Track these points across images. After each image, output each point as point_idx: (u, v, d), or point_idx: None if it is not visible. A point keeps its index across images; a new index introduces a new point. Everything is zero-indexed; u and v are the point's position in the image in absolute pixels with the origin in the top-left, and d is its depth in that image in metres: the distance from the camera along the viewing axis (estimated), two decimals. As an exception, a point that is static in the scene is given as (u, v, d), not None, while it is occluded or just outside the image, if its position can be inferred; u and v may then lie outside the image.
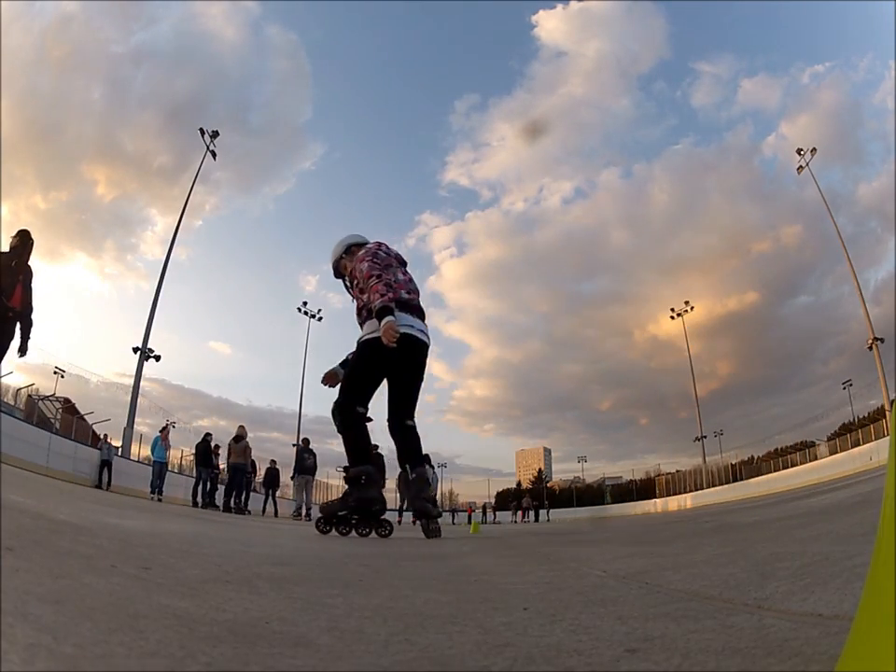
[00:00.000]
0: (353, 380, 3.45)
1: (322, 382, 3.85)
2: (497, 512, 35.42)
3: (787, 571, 1.17)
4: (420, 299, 3.71)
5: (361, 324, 3.60)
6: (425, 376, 3.61)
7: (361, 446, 3.41)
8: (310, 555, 2.21)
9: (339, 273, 3.91)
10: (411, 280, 3.66)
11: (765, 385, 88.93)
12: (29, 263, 5.71)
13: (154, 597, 0.82)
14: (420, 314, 3.57)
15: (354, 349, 3.73)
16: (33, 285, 5.66)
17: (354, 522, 3.44)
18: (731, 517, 5.02)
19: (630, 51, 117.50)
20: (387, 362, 3.31)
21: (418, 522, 13.76)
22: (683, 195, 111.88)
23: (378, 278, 3.37)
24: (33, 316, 5.62)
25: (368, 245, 3.69)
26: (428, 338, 3.56)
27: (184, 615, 0.73)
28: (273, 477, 14.77)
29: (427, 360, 3.58)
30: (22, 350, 5.59)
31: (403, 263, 3.74)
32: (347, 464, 3.47)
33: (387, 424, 3.47)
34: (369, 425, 3.49)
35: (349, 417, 3.35)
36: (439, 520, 13.02)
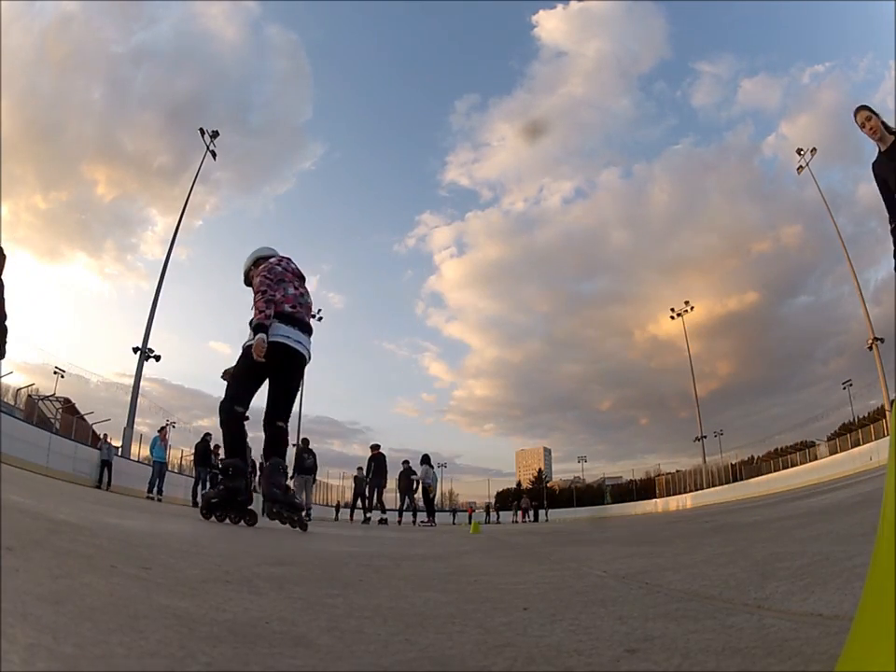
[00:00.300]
0: (233, 382, 3.79)
1: (221, 377, 4.12)
2: (499, 513, 35.41)
3: (787, 571, 1.17)
4: (310, 315, 4.05)
5: None
6: (301, 383, 4.01)
7: (235, 442, 3.75)
8: (310, 555, 2.21)
9: (248, 282, 4.20)
10: (302, 295, 3.97)
11: (765, 385, 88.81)
12: (1, 277, 6.09)
13: (154, 597, 0.82)
14: (303, 326, 3.86)
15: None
16: (5, 296, 6.08)
17: (226, 509, 3.74)
18: (731, 517, 5.02)
19: (630, 51, 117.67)
20: (264, 368, 3.65)
21: (419, 522, 13.64)
22: (683, 195, 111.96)
23: (263, 294, 3.69)
24: (8, 324, 6.05)
25: (270, 259, 4.00)
26: (306, 350, 3.86)
27: (184, 615, 0.73)
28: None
29: (305, 370, 4.00)
30: (0, 354, 6.07)
31: (301, 278, 4.07)
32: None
33: (262, 422, 3.85)
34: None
35: (227, 416, 3.70)
36: (434, 522, 12.86)
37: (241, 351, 3.75)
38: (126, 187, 78.25)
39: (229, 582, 1.11)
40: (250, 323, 3.86)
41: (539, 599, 1.08)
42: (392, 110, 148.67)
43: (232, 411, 3.65)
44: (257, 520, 3.71)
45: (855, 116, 3.94)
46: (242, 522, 3.66)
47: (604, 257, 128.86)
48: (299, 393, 4.11)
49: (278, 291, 3.77)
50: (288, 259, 4.08)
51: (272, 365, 3.60)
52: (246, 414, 3.76)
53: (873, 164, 3.97)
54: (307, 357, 3.86)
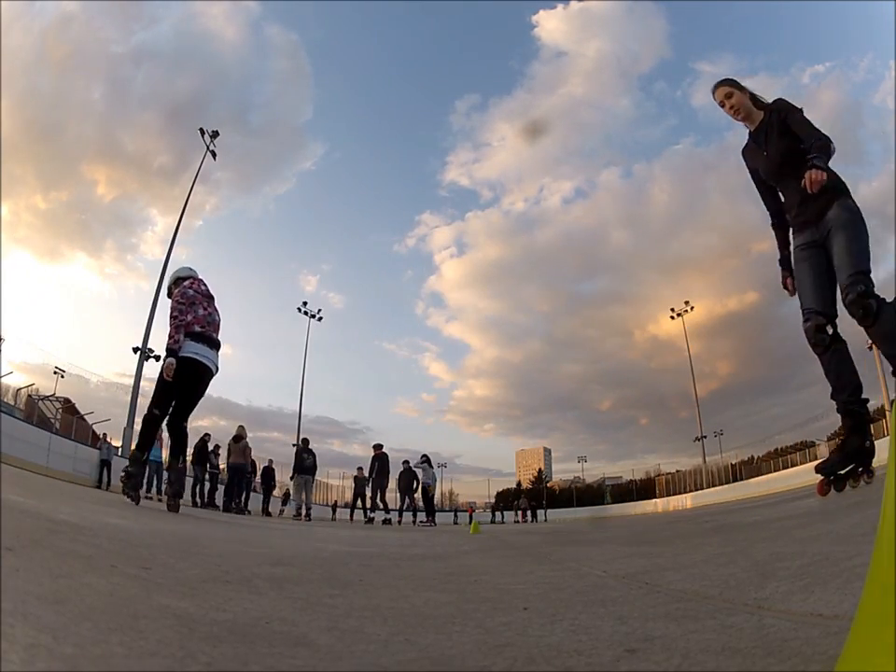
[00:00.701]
0: (155, 390, 4.61)
1: None
2: (504, 513, 35.46)
3: (787, 571, 1.17)
4: (219, 331, 4.72)
5: None
6: (206, 392, 4.72)
7: (145, 437, 4.59)
8: (310, 555, 2.21)
9: (171, 296, 4.86)
10: (211, 314, 4.66)
11: (765, 385, 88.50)
12: None
13: (154, 597, 0.82)
14: (210, 343, 4.57)
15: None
16: None
17: (126, 490, 4.49)
18: (731, 517, 5.01)
19: (630, 51, 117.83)
20: (177, 379, 4.38)
21: (419, 522, 13.77)
22: (683, 195, 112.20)
23: (174, 319, 4.42)
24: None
25: (184, 283, 4.67)
26: (213, 363, 4.57)
27: (184, 615, 0.73)
28: (269, 476, 14.77)
29: (211, 382, 4.66)
30: None
31: (210, 298, 4.74)
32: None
33: (166, 422, 4.58)
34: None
35: (147, 416, 4.52)
36: (434, 522, 13.03)
37: (170, 363, 4.45)
38: (126, 187, 78.43)
39: (229, 582, 1.11)
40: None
41: (539, 599, 1.08)
42: (392, 110, 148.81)
43: (151, 412, 4.47)
44: (139, 501, 4.41)
45: (713, 93, 3.07)
46: (133, 501, 4.34)
47: (604, 257, 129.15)
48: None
49: (189, 314, 4.50)
50: (200, 280, 4.79)
51: (184, 376, 4.36)
52: (161, 416, 4.56)
53: (742, 151, 3.17)
54: (213, 370, 4.60)
